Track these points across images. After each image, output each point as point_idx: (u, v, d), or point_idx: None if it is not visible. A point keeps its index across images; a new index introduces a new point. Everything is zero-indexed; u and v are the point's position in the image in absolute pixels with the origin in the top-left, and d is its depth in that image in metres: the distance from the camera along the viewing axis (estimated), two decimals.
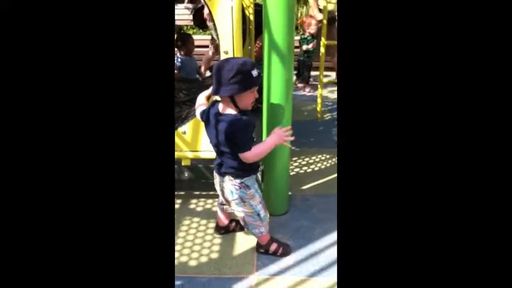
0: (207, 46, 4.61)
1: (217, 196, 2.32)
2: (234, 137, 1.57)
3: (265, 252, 1.88)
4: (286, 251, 1.89)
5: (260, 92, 2.08)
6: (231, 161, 1.66)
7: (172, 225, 0.85)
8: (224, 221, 2.01)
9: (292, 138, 1.70)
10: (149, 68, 0.83)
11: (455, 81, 0.76)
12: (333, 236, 2.00)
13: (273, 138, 1.65)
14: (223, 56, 1.97)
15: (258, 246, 1.90)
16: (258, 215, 1.78)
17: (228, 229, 2.04)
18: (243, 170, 1.68)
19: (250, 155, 1.59)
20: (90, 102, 0.79)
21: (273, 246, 1.88)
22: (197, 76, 3.70)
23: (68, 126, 0.78)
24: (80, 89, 0.78)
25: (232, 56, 1.97)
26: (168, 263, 0.85)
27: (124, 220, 0.81)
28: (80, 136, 0.78)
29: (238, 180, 1.70)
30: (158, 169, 0.84)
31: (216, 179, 1.79)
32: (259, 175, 1.90)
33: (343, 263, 0.84)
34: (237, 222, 2.02)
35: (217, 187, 1.82)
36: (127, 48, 0.81)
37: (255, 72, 1.56)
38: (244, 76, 1.53)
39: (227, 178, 1.72)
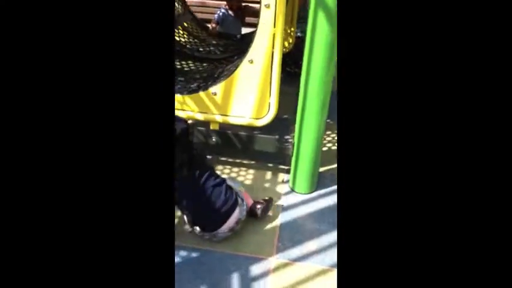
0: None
1: (244, 165, 2.17)
2: None
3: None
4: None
5: (300, 55, 1.84)
6: None
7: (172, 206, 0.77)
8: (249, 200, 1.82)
9: None
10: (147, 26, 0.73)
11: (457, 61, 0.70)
12: None
13: None
14: (264, 11, 1.73)
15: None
16: None
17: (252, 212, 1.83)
18: None
19: None
20: (84, 66, 0.71)
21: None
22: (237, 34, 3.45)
23: (66, 101, 0.71)
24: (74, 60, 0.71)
25: (274, 11, 1.71)
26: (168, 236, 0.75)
27: (123, 193, 0.72)
28: (75, 109, 0.71)
29: None
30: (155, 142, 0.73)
31: None
32: None
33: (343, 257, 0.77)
34: (263, 204, 1.83)
35: None
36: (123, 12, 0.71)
37: None
38: None
39: None
